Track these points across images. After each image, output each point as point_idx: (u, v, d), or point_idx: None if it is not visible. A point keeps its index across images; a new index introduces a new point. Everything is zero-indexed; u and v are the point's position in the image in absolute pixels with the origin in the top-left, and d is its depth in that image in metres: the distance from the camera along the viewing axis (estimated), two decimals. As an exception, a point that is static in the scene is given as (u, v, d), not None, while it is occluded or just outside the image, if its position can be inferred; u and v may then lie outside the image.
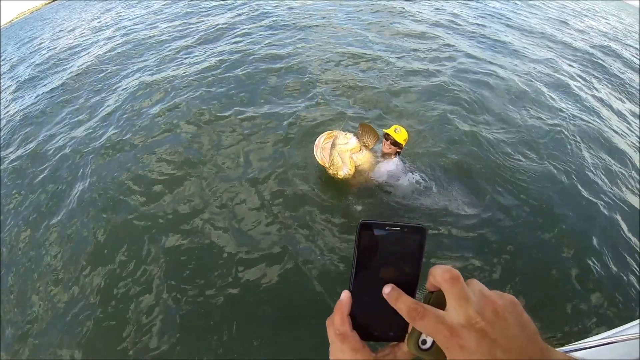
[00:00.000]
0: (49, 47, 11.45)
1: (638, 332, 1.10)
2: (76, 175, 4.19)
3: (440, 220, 3.16)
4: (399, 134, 3.17)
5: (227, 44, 7.16)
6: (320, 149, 3.11)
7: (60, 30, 13.90)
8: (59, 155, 4.67)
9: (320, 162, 3.16)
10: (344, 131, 3.29)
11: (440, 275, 0.38)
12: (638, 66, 8.34)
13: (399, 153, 3.33)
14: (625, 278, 2.94)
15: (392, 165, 3.23)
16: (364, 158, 3.21)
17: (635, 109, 6.14)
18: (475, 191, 3.50)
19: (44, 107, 6.40)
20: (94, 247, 3.19)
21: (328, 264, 2.86)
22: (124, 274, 2.94)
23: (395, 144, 3.20)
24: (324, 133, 3.21)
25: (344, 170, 3.15)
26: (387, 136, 3.22)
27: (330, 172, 3.21)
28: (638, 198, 3.90)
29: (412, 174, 3.41)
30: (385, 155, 3.34)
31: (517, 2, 12.93)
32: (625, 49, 9.72)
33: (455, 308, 0.36)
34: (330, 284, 2.70)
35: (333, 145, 3.09)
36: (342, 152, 3.12)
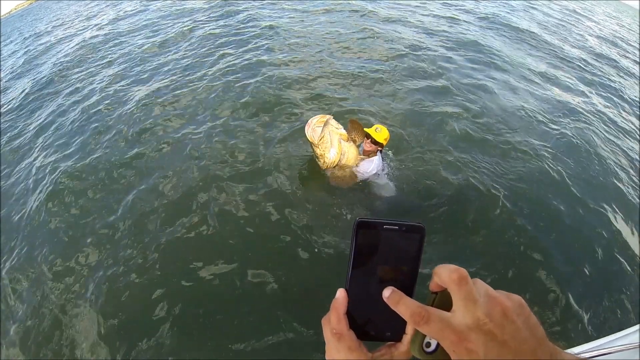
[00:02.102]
0: (39, 43, 11.17)
1: (637, 339, 1.07)
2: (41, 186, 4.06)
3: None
4: (379, 133, 3.24)
5: (212, 51, 6.93)
6: (312, 129, 3.13)
7: (59, 25, 13.69)
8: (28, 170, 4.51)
9: (309, 139, 3.18)
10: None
11: (447, 275, 0.36)
12: (637, 70, 8.31)
13: (380, 152, 3.40)
14: (622, 283, 2.94)
15: (372, 163, 3.30)
16: (349, 149, 3.25)
17: (636, 111, 6.13)
18: (462, 196, 3.50)
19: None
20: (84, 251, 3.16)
21: (320, 262, 2.84)
22: (116, 272, 2.93)
23: (375, 142, 3.26)
24: (318, 115, 3.24)
25: (331, 153, 3.16)
26: (367, 135, 3.30)
27: (318, 151, 3.21)
28: (637, 203, 3.88)
29: (392, 175, 3.52)
30: (367, 153, 3.41)
31: (514, 3, 12.73)
32: (625, 52, 9.70)
33: (462, 310, 0.35)
34: (324, 283, 2.67)
35: (326, 124, 3.12)
36: (333, 133, 3.15)
